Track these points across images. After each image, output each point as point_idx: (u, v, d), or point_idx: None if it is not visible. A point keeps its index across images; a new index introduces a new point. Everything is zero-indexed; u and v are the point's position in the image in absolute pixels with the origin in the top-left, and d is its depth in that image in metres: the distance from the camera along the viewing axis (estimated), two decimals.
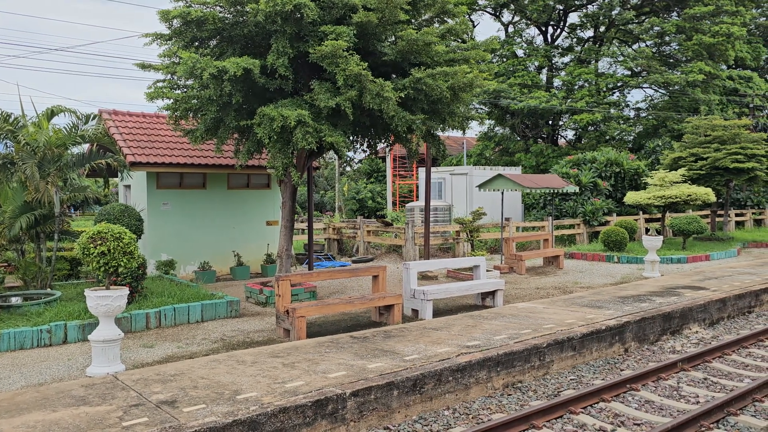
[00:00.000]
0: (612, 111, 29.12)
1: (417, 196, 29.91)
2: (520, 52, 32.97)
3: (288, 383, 5.77)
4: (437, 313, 10.28)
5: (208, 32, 9.84)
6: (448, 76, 9.81)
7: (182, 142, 13.78)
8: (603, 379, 7.19)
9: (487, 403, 6.41)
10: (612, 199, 23.06)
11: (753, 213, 27.93)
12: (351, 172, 40.88)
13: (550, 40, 33.55)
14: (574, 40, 33.84)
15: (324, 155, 21.98)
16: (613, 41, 32.37)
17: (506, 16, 33.89)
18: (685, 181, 20.38)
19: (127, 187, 14.83)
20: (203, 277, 13.45)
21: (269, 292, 11.10)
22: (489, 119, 33.37)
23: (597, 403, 6.40)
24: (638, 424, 5.82)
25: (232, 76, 8.94)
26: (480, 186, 15.58)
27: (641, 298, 10.26)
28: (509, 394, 6.70)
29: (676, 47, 30.94)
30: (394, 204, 31.54)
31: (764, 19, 32.61)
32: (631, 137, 32.98)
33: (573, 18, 36.36)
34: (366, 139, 11.81)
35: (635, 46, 32.15)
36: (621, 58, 30.37)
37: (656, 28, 29.57)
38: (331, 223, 20.96)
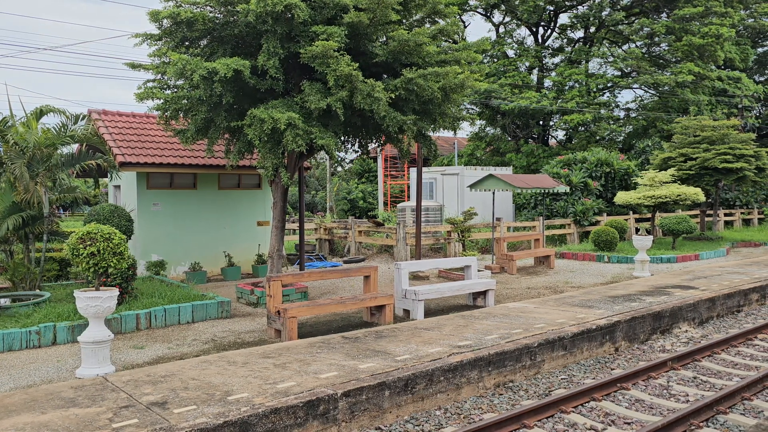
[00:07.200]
0: (602, 111, 29.26)
1: (408, 197, 29.93)
2: (510, 53, 33.07)
3: (279, 384, 5.76)
4: (429, 313, 10.29)
5: (199, 32, 9.80)
6: (440, 76, 9.82)
7: (172, 142, 13.72)
8: (594, 379, 7.22)
9: (478, 403, 6.42)
10: (602, 199, 23.17)
11: (742, 213, 28.14)
12: (342, 172, 40.86)
13: (540, 40, 33.68)
14: (565, 40, 33.99)
15: (315, 155, 21.95)
16: (604, 42, 32.54)
17: (497, 16, 34.01)
18: (674, 181, 20.51)
19: (117, 187, 14.75)
20: (194, 278, 13.39)
21: (260, 293, 11.07)
22: (480, 119, 33.45)
23: (588, 402, 6.42)
24: (629, 423, 5.85)
25: (222, 77, 8.90)
26: (471, 186, 15.61)
27: (631, 298, 10.31)
28: (501, 394, 6.71)
29: (666, 48, 31.14)
30: (385, 204, 31.53)
31: (752, 20, 32.85)
32: (621, 137, 33.17)
33: (563, 19, 36.46)
34: (357, 140, 11.80)
35: (625, 47, 32.33)
36: (611, 59, 30.52)
37: (646, 29, 29.74)
38: (322, 223, 20.92)
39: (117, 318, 8.98)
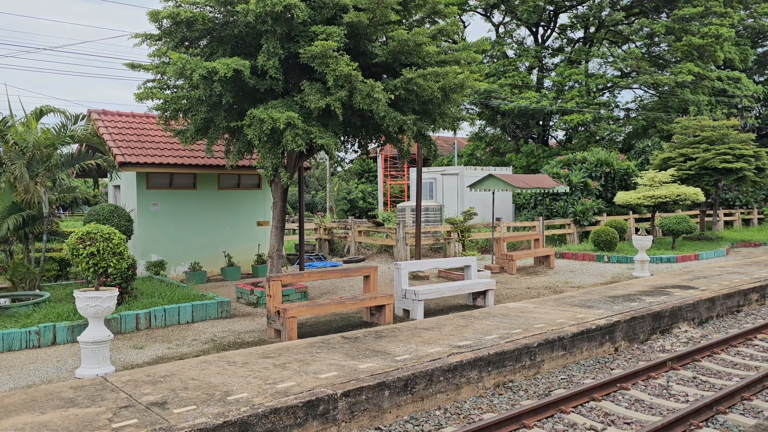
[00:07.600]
0: (602, 111, 29.27)
1: (408, 197, 29.94)
2: (510, 53, 33.06)
3: (279, 384, 5.76)
4: (428, 313, 10.29)
5: (198, 32, 9.80)
6: (439, 76, 9.81)
7: (172, 142, 13.72)
8: (593, 379, 7.22)
9: (478, 403, 6.42)
10: (602, 199, 23.17)
11: (741, 213, 28.14)
12: (342, 172, 40.86)
13: (540, 40, 33.69)
14: (565, 40, 34.00)
15: (315, 155, 21.95)
16: (603, 42, 32.54)
17: (497, 16, 34.02)
18: (674, 181, 20.51)
19: (117, 187, 14.75)
20: (194, 278, 13.39)
21: (260, 293, 11.07)
22: (480, 120, 33.46)
23: (587, 402, 6.42)
24: (628, 423, 5.85)
25: (222, 77, 8.90)
26: (471, 186, 15.61)
27: (631, 298, 10.31)
28: (500, 394, 6.71)
29: (666, 48, 31.14)
30: (385, 204, 31.54)
31: (752, 20, 32.86)
32: (621, 137, 33.17)
33: (563, 19, 36.42)
34: (357, 140, 11.80)
35: (625, 47, 32.33)
36: (611, 59, 30.53)
37: (646, 29, 29.75)
38: (322, 223, 20.92)
39: (117, 318, 8.97)
